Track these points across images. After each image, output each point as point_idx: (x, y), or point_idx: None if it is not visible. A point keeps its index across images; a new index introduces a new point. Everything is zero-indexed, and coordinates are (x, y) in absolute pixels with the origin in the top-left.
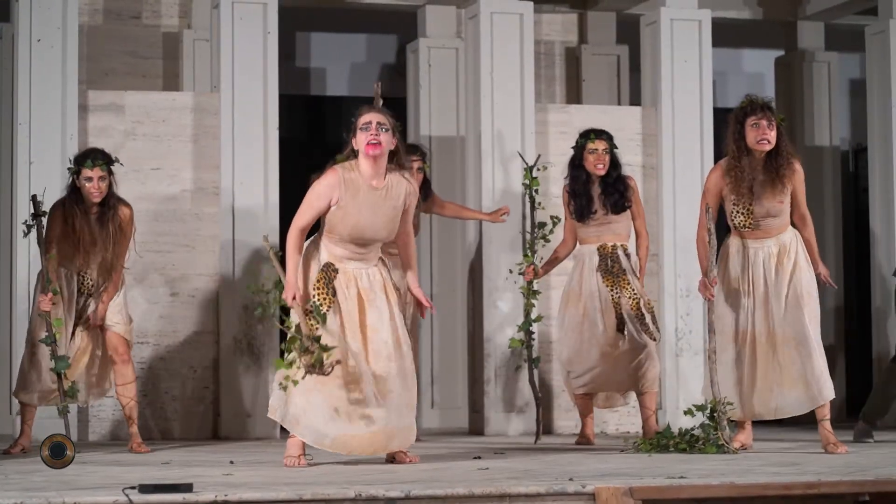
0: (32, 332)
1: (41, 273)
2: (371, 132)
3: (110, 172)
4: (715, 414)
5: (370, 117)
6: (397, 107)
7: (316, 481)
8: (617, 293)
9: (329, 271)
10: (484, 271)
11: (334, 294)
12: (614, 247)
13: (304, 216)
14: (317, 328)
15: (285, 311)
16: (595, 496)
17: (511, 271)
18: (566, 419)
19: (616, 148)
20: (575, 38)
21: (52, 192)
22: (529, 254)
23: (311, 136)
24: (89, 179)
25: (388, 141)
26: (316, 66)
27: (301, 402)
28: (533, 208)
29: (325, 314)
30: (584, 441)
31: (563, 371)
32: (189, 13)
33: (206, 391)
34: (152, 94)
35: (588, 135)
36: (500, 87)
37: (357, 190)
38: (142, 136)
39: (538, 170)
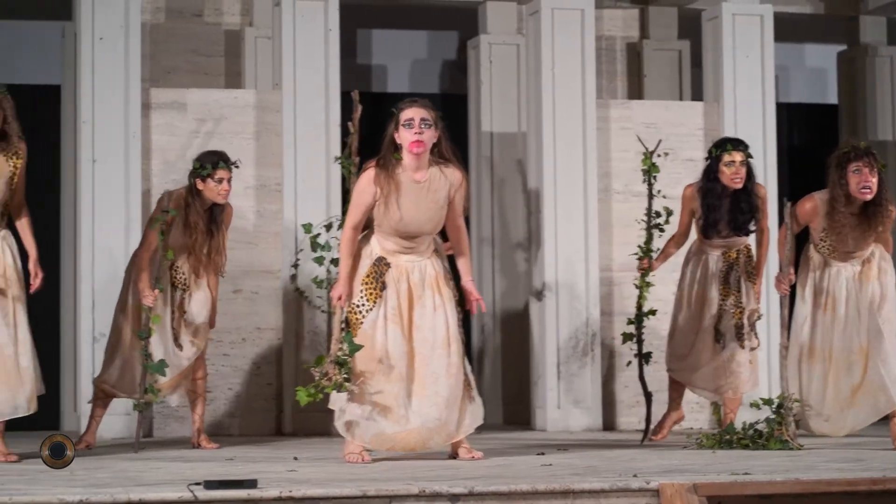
0: (121, 324)
1: (131, 267)
2: (415, 129)
3: None
4: (782, 409)
5: (413, 113)
6: (458, 103)
7: (379, 477)
8: (725, 302)
9: (381, 265)
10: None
11: (383, 288)
12: (738, 252)
13: (352, 214)
14: (343, 353)
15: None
16: (659, 492)
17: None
18: (628, 415)
19: (752, 157)
20: (636, 33)
21: (115, 189)
22: (647, 245)
23: (373, 133)
24: (220, 181)
25: (431, 137)
26: (377, 62)
27: (343, 398)
28: (651, 196)
29: (351, 338)
30: (657, 430)
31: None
32: (251, 11)
33: (269, 388)
34: (214, 92)
35: (724, 145)
36: (561, 83)
37: (399, 184)
38: (204, 133)
39: (658, 155)
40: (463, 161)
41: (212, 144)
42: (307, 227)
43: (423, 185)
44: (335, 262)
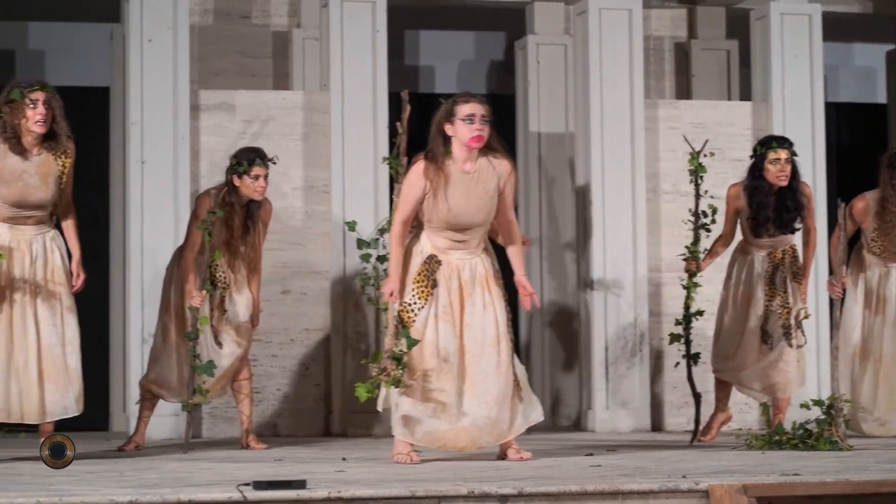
0: (167, 325)
1: (172, 266)
2: (476, 125)
3: None
4: (832, 410)
5: (474, 108)
6: (505, 104)
7: (428, 478)
8: (772, 303)
9: (432, 263)
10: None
11: (434, 286)
12: (784, 252)
13: (401, 208)
14: (400, 348)
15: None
16: (709, 493)
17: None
18: (677, 416)
19: (797, 155)
20: (684, 33)
21: (164, 190)
22: (695, 246)
23: (421, 133)
24: (257, 177)
25: (488, 132)
26: (424, 63)
27: (394, 397)
28: (697, 196)
29: (408, 332)
30: (705, 431)
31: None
32: (298, 12)
33: (317, 388)
34: (263, 94)
35: (769, 143)
36: (609, 83)
37: (448, 175)
38: (252, 135)
39: (704, 155)
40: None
41: (260, 145)
42: (351, 225)
43: (472, 176)
44: (381, 259)
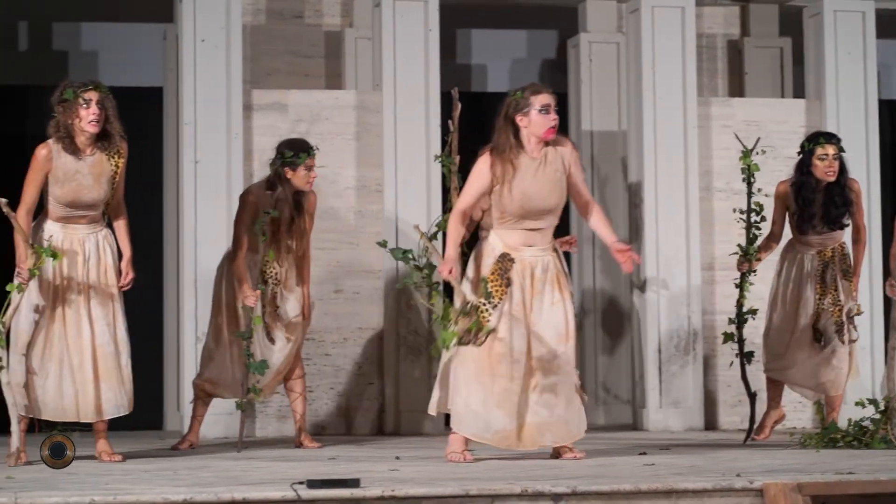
0: (219, 325)
1: (223, 265)
2: (551, 115)
3: None
4: (887, 409)
5: (548, 99)
6: (558, 102)
7: (481, 476)
8: (823, 301)
9: (505, 261)
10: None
11: (509, 284)
12: (833, 251)
13: (464, 197)
14: (484, 305)
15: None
16: (763, 492)
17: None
18: (731, 415)
19: (844, 151)
20: (737, 30)
21: (217, 190)
22: (749, 246)
23: (472, 132)
24: (310, 168)
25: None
26: (476, 62)
27: (462, 397)
28: (750, 194)
29: (489, 292)
30: (759, 430)
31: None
32: (351, 12)
33: (371, 387)
34: (315, 93)
35: (817, 138)
36: (662, 81)
37: (518, 163)
38: (305, 134)
39: (756, 153)
40: None
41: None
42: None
43: (538, 160)
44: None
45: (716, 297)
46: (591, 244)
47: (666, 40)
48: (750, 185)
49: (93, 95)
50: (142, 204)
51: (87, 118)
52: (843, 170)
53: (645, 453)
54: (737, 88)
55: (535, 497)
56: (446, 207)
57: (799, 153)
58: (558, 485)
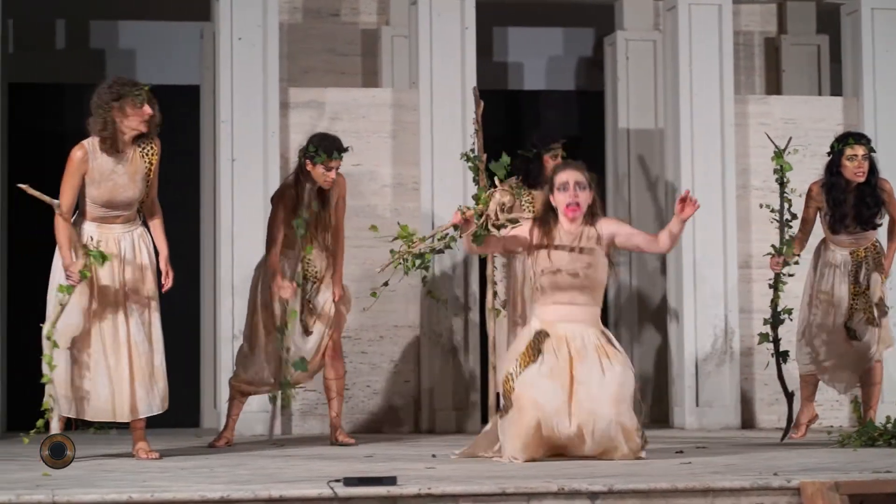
0: (255, 325)
1: (259, 267)
2: (570, 192)
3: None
4: None
5: (567, 176)
6: (594, 100)
7: (518, 475)
8: (856, 301)
9: (540, 336)
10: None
11: (539, 353)
12: (866, 250)
13: (506, 241)
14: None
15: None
16: (800, 491)
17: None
18: (768, 413)
19: (874, 151)
20: (774, 28)
21: (254, 188)
22: (786, 246)
23: (509, 131)
24: (329, 169)
25: (586, 199)
26: (513, 60)
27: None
28: (783, 194)
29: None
30: (795, 428)
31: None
32: (387, 9)
33: (407, 385)
34: (352, 91)
35: (846, 139)
36: (699, 78)
37: (552, 239)
38: (341, 132)
39: (789, 153)
40: (599, 158)
41: (349, 143)
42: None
43: (574, 239)
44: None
45: (753, 295)
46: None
47: (703, 38)
48: (783, 185)
49: (145, 95)
50: (178, 202)
51: (140, 118)
52: (873, 169)
53: (682, 452)
54: (774, 86)
55: (572, 495)
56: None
57: (829, 154)
58: (595, 483)
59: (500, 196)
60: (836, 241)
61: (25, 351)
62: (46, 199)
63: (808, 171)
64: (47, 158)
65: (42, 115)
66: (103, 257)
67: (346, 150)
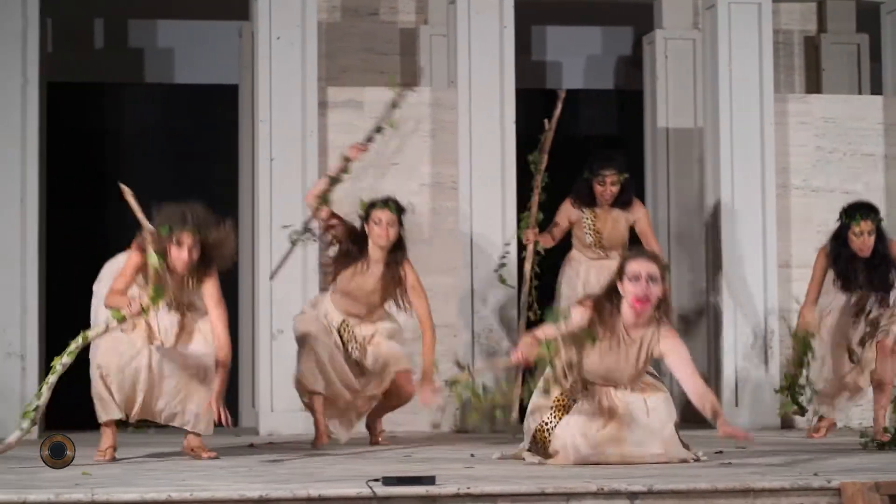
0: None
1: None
2: (641, 285)
3: (401, 222)
4: None
5: (640, 268)
6: (633, 99)
7: (557, 475)
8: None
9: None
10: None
11: (575, 402)
12: (872, 303)
13: (553, 330)
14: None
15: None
16: (840, 491)
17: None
18: (808, 414)
19: (883, 220)
20: (814, 26)
21: (293, 188)
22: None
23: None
24: (378, 222)
25: (657, 295)
26: (552, 59)
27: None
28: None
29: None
30: (816, 429)
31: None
32: (426, 9)
33: (445, 384)
34: (391, 90)
35: (853, 215)
36: (739, 77)
37: (613, 331)
38: (389, 132)
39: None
40: (638, 157)
41: (388, 142)
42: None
43: (633, 341)
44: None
45: (792, 295)
46: (667, 241)
47: (742, 36)
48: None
49: (187, 239)
50: (217, 201)
51: (178, 259)
52: (881, 237)
53: (721, 452)
54: (814, 85)
55: (611, 495)
56: (526, 206)
57: (837, 221)
58: (634, 483)
59: (566, 354)
60: (845, 294)
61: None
62: (140, 215)
63: (847, 170)
64: (86, 157)
65: (81, 114)
66: (159, 294)
67: (400, 207)
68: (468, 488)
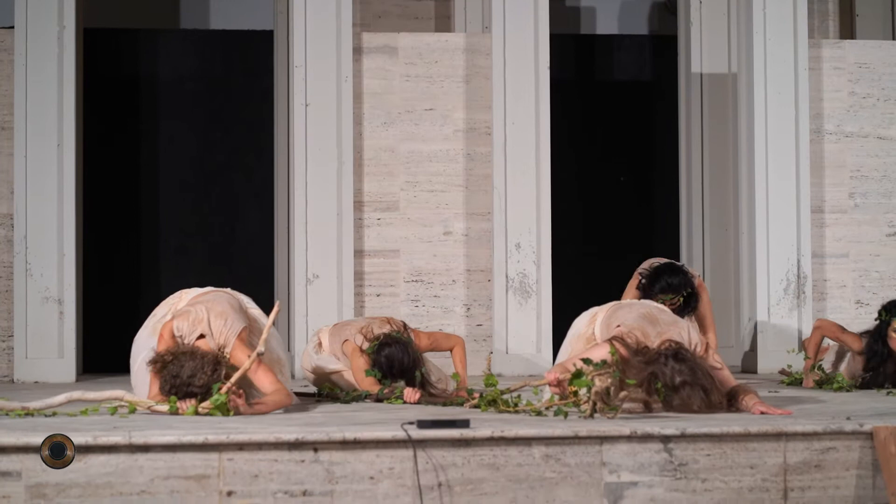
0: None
1: None
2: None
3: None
4: None
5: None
6: (667, 44)
7: (591, 419)
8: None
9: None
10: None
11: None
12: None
13: None
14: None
15: None
16: (873, 435)
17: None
18: None
19: None
20: None
21: (327, 133)
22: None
23: (581, 75)
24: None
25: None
26: (585, 4)
27: None
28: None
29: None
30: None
31: None
32: None
33: (479, 329)
34: (425, 36)
35: (894, 311)
36: (773, 23)
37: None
38: (415, 77)
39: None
40: (673, 103)
41: (422, 88)
42: None
43: None
44: None
45: (825, 239)
46: (700, 188)
47: None
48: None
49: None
50: (252, 146)
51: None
52: None
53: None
54: (847, 30)
55: (644, 438)
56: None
57: (876, 319)
58: (667, 427)
59: (601, 382)
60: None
61: (100, 296)
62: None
63: (881, 115)
64: (123, 103)
65: (119, 60)
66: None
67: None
68: (502, 431)
